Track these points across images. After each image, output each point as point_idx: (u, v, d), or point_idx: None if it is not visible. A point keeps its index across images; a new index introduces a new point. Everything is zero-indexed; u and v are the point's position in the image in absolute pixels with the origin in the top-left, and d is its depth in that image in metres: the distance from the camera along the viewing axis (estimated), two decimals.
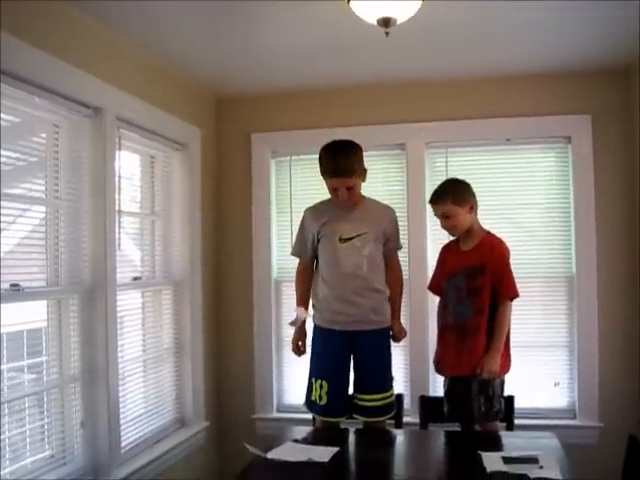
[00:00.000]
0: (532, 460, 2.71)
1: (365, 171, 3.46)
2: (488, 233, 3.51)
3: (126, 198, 3.86)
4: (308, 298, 3.60)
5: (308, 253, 3.59)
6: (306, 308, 3.60)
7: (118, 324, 3.60)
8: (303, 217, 3.64)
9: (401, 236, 4.37)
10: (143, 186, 4.15)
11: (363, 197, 3.55)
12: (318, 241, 3.54)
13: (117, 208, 3.55)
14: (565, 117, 4.36)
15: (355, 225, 3.45)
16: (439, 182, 4.06)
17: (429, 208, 4.31)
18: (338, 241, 3.45)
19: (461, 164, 4.51)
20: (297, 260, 3.70)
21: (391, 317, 3.57)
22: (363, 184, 3.51)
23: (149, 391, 4.05)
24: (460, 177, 3.60)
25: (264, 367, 4.74)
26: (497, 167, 4.52)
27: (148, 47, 3.75)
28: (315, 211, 3.59)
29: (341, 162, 3.36)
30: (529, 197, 4.46)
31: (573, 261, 4.40)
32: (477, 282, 3.39)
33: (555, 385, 4.44)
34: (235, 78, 4.44)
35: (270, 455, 2.87)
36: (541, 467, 2.63)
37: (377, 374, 3.52)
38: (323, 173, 3.44)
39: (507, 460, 2.71)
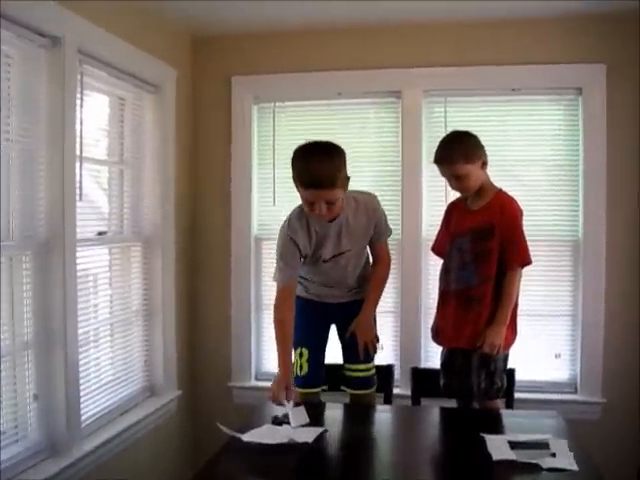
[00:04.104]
0: (542, 445, 2.45)
1: (348, 179, 2.93)
2: (500, 191, 3.19)
3: (91, 144, 3.50)
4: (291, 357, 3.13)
5: (293, 276, 3.13)
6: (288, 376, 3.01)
7: (82, 284, 3.30)
8: (284, 240, 3.06)
9: (395, 192, 4.16)
10: (111, 131, 3.77)
11: (343, 200, 3.03)
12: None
13: (78, 154, 3.19)
14: (577, 66, 4.02)
15: (337, 244, 3.07)
16: (437, 135, 3.78)
17: (425, 162, 4.13)
18: (321, 262, 3.11)
19: (461, 115, 4.19)
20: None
21: (363, 306, 3.23)
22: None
23: (115, 357, 3.75)
24: (461, 129, 3.28)
25: (242, 331, 4.47)
26: (501, 119, 4.19)
27: None
28: (294, 233, 3.03)
29: (319, 171, 2.79)
30: (534, 153, 4.15)
31: (580, 224, 4.11)
32: (484, 245, 3.09)
33: (556, 357, 4.19)
34: (215, 15, 4.07)
35: (246, 438, 2.58)
36: (553, 455, 2.37)
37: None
38: (297, 183, 2.89)
39: (514, 445, 2.45)
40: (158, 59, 3.95)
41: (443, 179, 3.28)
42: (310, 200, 2.86)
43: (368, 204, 3.11)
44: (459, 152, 3.08)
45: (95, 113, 3.60)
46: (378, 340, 3.27)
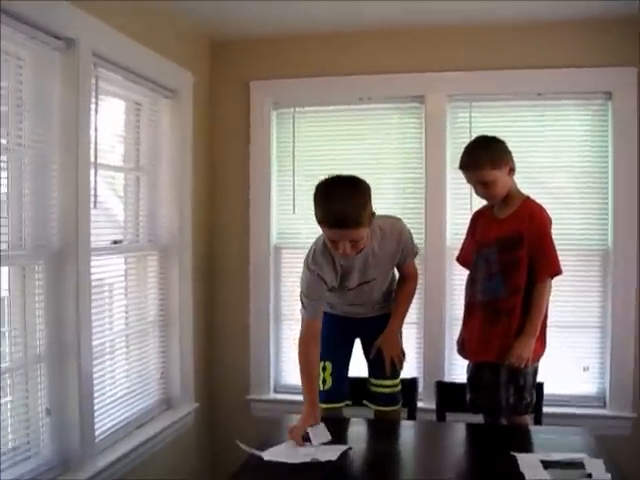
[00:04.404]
0: (577, 465, 2.34)
1: (373, 215, 2.76)
2: (527, 198, 3.06)
3: (106, 150, 3.41)
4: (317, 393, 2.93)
5: (319, 308, 2.98)
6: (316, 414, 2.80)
7: (96, 294, 3.20)
8: (309, 276, 2.91)
9: (418, 200, 4.08)
10: (127, 137, 3.67)
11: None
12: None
13: (93, 160, 3.09)
14: (606, 69, 3.89)
15: (363, 274, 2.95)
16: (462, 141, 3.71)
17: (449, 168, 4.03)
18: (346, 290, 3.00)
19: (487, 120, 4.06)
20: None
21: (390, 321, 3.13)
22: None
23: (131, 370, 3.64)
24: (487, 134, 3.17)
25: (260, 343, 4.34)
26: (527, 125, 4.05)
27: None
28: (320, 269, 2.89)
29: (343, 210, 2.62)
30: (561, 159, 4.02)
31: (609, 233, 3.97)
32: (512, 255, 2.97)
33: (584, 370, 4.05)
34: (233, 18, 3.96)
35: (267, 456, 2.49)
36: (589, 475, 2.26)
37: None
38: (319, 221, 2.72)
39: (547, 465, 2.34)
40: (175, 63, 3.84)
41: (468, 186, 3.18)
42: (334, 239, 2.72)
43: (394, 230, 2.98)
44: (486, 158, 2.96)
45: (110, 118, 3.51)
46: (404, 355, 3.16)
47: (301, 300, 2.98)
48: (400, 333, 3.16)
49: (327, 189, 2.71)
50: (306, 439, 2.63)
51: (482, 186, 3.02)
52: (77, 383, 2.94)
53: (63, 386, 2.93)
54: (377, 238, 2.91)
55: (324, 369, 3.11)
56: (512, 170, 3.01)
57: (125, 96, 3.62)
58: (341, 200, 2.62)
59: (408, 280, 3.16)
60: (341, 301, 3.10)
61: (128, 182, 3.70)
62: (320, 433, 2.65)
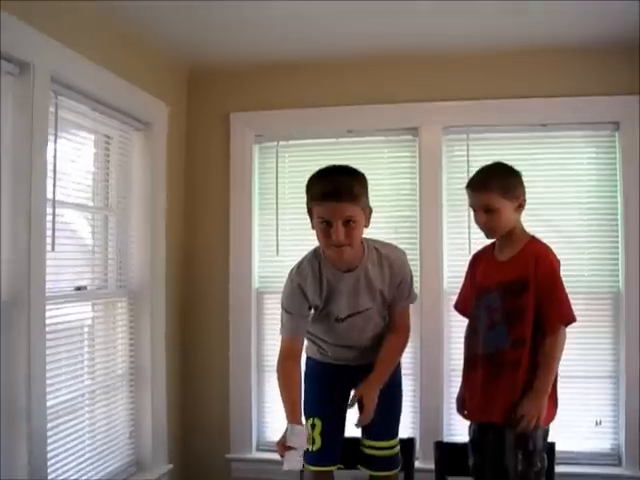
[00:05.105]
0: None
1: (370, 211, 2.62)
2: (533, 238, 2.79)
3: (71, 186, 3.20)
4: (299, 402, 2.67)
5: (300, 327, 2.76)
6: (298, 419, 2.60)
7: (57, 347, 2.97)
8: (290, 288, 2.72)
9: (412, 240, 3.88)
10: (95, 173, 3.45)
11: (363, 247, 2.69)
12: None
13: (51, 197, 2.82)
14: (613, 98, 3.71)
15: (354, 301, 2.68)
16: (459, 176, 3.59)
17: (446, 205, 3.82)
18: (334, 321, 2.72)
19: (485, 154, 3.79)
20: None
21: (373, 372, 2.73)
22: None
23: (97, 429, 3.36)
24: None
25: (242, 397, 4.09)
26: (529, 158, 3.82)
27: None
28: (303, 280, 2.68)
29: (338, 181, 2.50)
30: (567, 195, 3.82)
31: (620, 274, 3.74)
32: (517, 302, 2.67)
33: (596, 424, 3.79)
34: (212, 46, 3.80)
35: None
36: None
37: (387, 414, 2.81)
38: (311, 200, 2.56)
39: None
40: (148, 93, 3.65)
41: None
42: (326, 218, 2.50)
43: (395, 258, 2.72)
44: (499, 183, 2.71)
45: (76, 152, 3.29)
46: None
47: (281, 319, 2.73)
48: (400, 388, 2.91)
49: (321, 171, 2.61)
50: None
51: (485, 213, 2.74)
52: (26, 451, 2.65)
53: (10, 455, 2.62)
54: (372, 259, 2.67)
55: (313, 427, 2.79)
56: (521, 207, 2.75)
57: (93, 128, 3.43)
58: (337, 175, 2.55)
59: (398, 332, 2.81)
60: (331, 338, 2.79)
61: (96, 222, 3.49)
62: (297, 435, 2.45)
